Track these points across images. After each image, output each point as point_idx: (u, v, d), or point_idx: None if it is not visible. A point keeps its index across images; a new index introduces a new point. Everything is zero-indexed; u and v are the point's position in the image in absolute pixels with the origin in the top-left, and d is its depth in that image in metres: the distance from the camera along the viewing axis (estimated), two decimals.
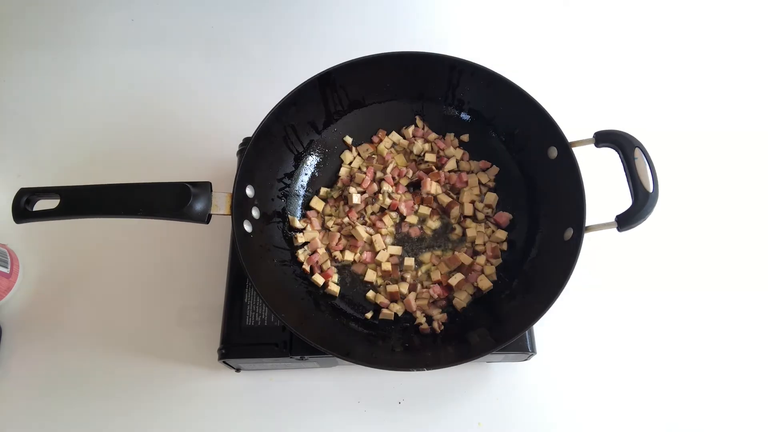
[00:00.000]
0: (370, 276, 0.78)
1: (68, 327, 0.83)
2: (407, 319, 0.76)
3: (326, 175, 0.85)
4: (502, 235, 0.79)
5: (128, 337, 0.82)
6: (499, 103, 0.81)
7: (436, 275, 0.77)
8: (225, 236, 0.83)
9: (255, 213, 0.75)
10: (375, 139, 0.86)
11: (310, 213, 0.82)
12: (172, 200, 0.67)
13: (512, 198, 0.82)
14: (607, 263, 0.84)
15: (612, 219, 0.66)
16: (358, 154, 0.86)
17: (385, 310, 0.76)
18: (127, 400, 0.78)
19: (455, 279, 0.76)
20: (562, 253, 0.68)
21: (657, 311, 0.83)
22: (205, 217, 0.68)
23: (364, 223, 0.81)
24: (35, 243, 0.88)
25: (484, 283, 0.76)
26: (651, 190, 0.65)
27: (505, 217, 0.80)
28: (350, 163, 0.85)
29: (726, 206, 0.90)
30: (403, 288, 0.77)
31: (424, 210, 0.81)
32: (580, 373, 0.79)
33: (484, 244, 0.79)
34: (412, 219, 0.81)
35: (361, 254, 0.79)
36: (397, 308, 0.76)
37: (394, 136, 0.86)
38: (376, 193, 0.82)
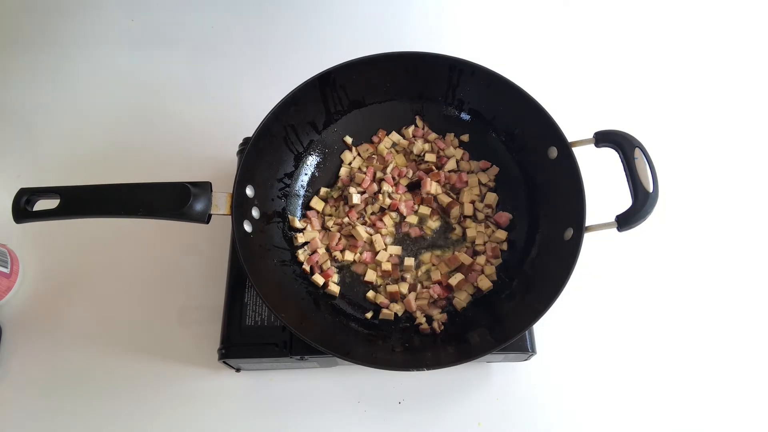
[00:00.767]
0: (370, 276, 0.78)
1: (68, 327, 0.83)
2: (407, 319, 0.76)
3: (326, 175, 0.85)
4: (502, 235, 0.79)
5: (128, 337, 0.82)
6: (499, 103, 0.81)
7: (436, 275, 0.77)
8: (225, 236, 0.83)
9: (255, 213, 0.75)
10: (375, 139, 0.86)
11: (310, 213, 0.82)
12: (172, 200, 0.67)
13: (512, 198, 0.81)
14: (607, 263, 0.84)
15: (612, 219, 0.66)
16: (358, 154, 0.86)
17: (385, 310, 0.76)
18: (127, 400, 0.78)
19: (455, 279, 0.76)
20: (562, 253, 0.68)
21: (657, 311, 0.83)
22: (205, 217, 0.68)
23: (364, 223, 0.81)
24: (35, 243, 0.88)
25: (484, 283, 0.76)
26: (651, 190, 0.65)
27: (505, 217, 0.80)
28: (350, 163, 0.85)
29: (726, 206, 0.90)
30: (403, 288, 0.77)
31: (424, 210, 0.81)
32: (580, 373, 0.79)
33: (484, 244, 0.79)
34: (412, 219, 0.81)
35: (361, 254, 0.79)
36: (397, 308, 0.76)
37: (394, 136, 0.86)
38: (376, 193, 0.82)
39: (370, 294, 0.77)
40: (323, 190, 0.84)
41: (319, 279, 0.77)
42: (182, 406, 0.78)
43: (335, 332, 0.74)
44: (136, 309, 0.84)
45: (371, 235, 0.80)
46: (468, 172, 0.83)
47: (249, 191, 0.74)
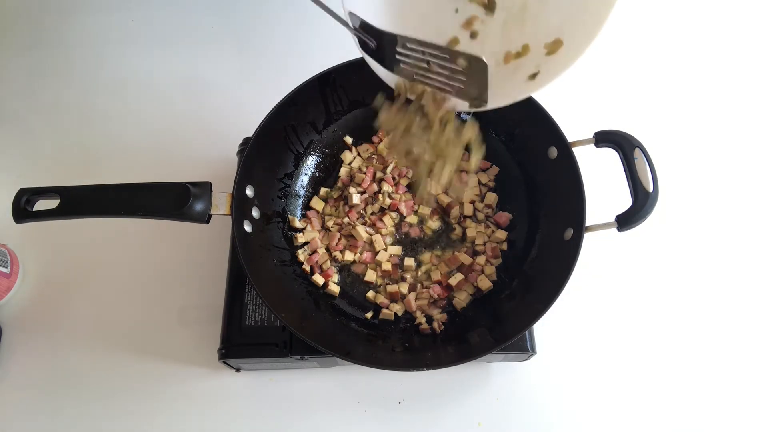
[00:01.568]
0: (370, 276, 0.78)
1: (68, 327, 0.83)
2: (407, 319, 0.76)
3: (326, 175, 0.85)
4: (502, 235, 0.79)
5: (128, 337, 0.82)
6: None
7: (436, 275, 0.77)
8: (225, 236, 0.83)
9: (255, 213, 0.75)
10: (375, 139, 0.86)
11: (310, 213, 0.82)
12: (172, 200, 0.67)
13: (512, 198, 0.81)
14: (607, 263, 0.84)
15: (612, 219, 0.66)
16: (358, 154, 0.86)
17: (385, 310, 0.76)
18: (127, 400, 0.78)
19: (455, 279, 0.76)
20: (562, 253, 0.68)
21: (657, 311, 0.83)
22: (205, 217, 0.68)
23: (364, 223, 0.81)
24: (35, 243, 0.88)
25: (484, 283, 0.76)
26: (651, 190, 0.65)
27: (505, 217, 0.80)
28: (350, 163, 0.85)
29: (726, 206, 0.90)
30: (403, 288, 0.77)
31: (424, 210, 0.81)
32: (580, 373, 0.79)
33: (484, 244, 0.79)
34: (412, 219, 0.81)
35: (361, 254, 0.79)
36: (397, 308, 0.76)
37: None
38: (376, 193, 0.82)
39: (370, 294, 0.77)
40: (323, 190, 0.84)
41: (319, 279, 0.77)
42: (182, 406, 0.78)
43: (335, 332, 0.74)
44: (136, 309, 0.84)
45: (371, 235, 0.80)
46: (468, 172, 0.83)
47: (249, 191, 0.74)
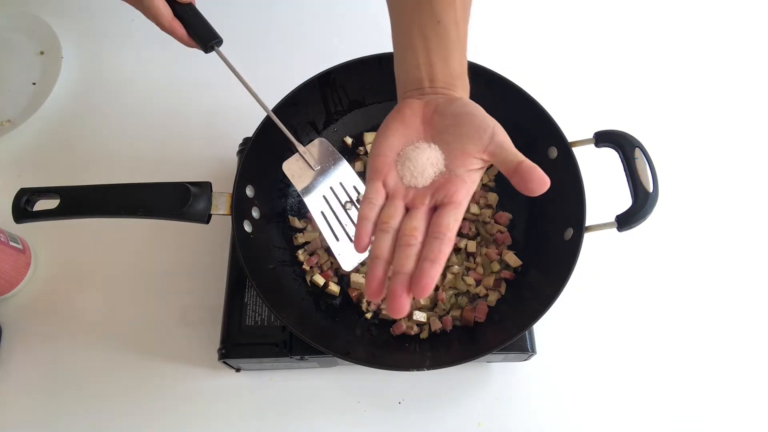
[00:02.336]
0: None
1: (67, 327, 0.83)
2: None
3: None
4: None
5: (127, 336, 0.82)
6: (498, 102, 0.80)
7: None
8: (225, 236, 0.83)
9: (255, 213, 0.75)
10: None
11: (310, 214, 0.82)
12: (172, 200, 0.67)
13: (512, 198, 0.81)
14: (607, 263, 0.84)
15: (612, 219, 0.66)
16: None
17: (384, 311, 0.76)
18: (127, 400, 0.78)
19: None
20: (562, 253, 0.68)
21: (657, 311, 0.83)
22: (205, 217, 0.68)
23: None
24: (35, 243, 0.88)
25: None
26: (651, 190, 0.65)
27: (505, 217, 0.80)
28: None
29: (726, 206, 0.90)
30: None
31: None
32: (580, 373, 0.79)
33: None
34: None
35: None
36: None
37: None
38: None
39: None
40: None
41: (319, 279, 0.77)
42: (182, 406, 0.78)
43: (335, 332, 0.74)
44: (136, 309, 0.84)
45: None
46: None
47: (249, 191, 0.74)
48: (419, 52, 0.55)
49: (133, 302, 0.84)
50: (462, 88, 0.57)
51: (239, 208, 0.71)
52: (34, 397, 0.79)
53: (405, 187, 0.52)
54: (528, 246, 0.78)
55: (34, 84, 1.03)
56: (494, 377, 0.78)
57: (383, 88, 0.83)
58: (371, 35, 1.05)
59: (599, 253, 0.76)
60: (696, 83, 1.01)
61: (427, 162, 0.52)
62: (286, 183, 0.82)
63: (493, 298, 0.75)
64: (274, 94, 0.75)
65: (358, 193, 0.71)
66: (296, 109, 0.78)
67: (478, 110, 0.53)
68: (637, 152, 0.67)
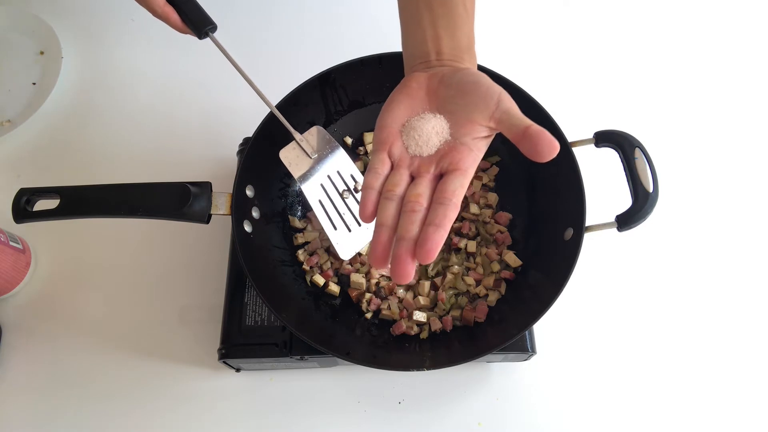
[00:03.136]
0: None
1: (67, 327, 0.83)
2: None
3: None
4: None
5: (127, 336, 0.82)
6: None
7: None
8: (225, 236, 0.83)
9: (255, 213, 0.75)
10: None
11: (310, 213, 0.82)
12: (172, 200, 0.67)
13: (512, 198, 0.81)
14: (607, 263, 0.84)
15: (612, 219, 0.66)
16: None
17: (384, 311, 0.76)
18: (127, 400, 0.78)
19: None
20: (562, 253, 0.68)
21: (657, 311, 0.83)
22: (205, 217, 0.68)
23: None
24: (35, 243, 0.88)
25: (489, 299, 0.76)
26: (651, 190, 0.65)
27: (505, 217, 0.80)
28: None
29: (726, 206, 0.90)
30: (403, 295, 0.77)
31: None
32: (580, 373, 0.79)
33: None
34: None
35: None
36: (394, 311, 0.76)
37: None
38: None
39: (369, 295, 0.77)
40: None
41: (319, 279, 0.77)
42: (182, 406, 0.78)
43: (335, 332, 0.74)
44: (136, 309, 0.84)
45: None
46: None
47: (249, 191, 0.74)
48: (426, 26, 0.55)
49: (133, 302, 0.84)
50: (469, 61, 0.57)
51: (239, 208, 0.71)
52: (34, 397, 0.79)
53: (410, 157, 0.52)
54: (528, 246, 0.78)
55: (34, 84, 1.03)
56: (494, 377, 0.78)
57: (383, 88, 0.83)
58: (371, 35, 1.06)
59: (599, 253, 0.77)
60: (696, 83, 1.01)
61: (432, 131, 0.51)
62: (286, 183, 0.82)
63: (493, 298, 0.75)
64: (275, 93, 0.74)
65: (356, 181, 0.71)
66: (296, 109, 0.78)
67: (484, 78, 0.53)
68: (637, 152, 0.67)
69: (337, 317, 0.76)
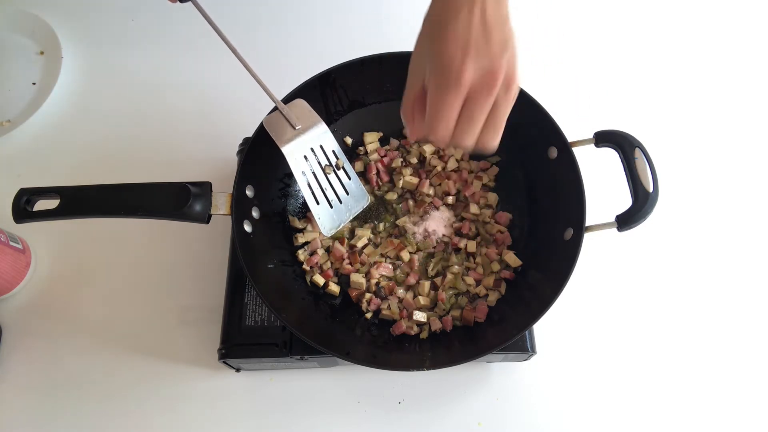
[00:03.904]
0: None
1: (68, 327, 0.83)
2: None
3: None
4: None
5: (128, 337, 0.82)
6: None
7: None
8: (225, 236, 0.83)
9: (255, 213, 0.75)
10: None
11: (309, 213, 0.82)
12: (172, 200, 0.67)
13: (512, 198, 0.81)
14: (607, 263, 0.84)
15: (612, 219, 0.66)
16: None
17: (384, 311, 0.76)
18: (127, 400, 0.78)
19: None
20: (562, 253, 0.68)
21: (657, 311, 0.83)
22: (205, 217, 0.68)
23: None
24: (35, 243, 0.88)
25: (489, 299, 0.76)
26: (651, 190, 0.65)
27: (505, 217, 0.80)
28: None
29: (726, 206, 0.90)
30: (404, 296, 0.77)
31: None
32: (580, 373, 0.79)
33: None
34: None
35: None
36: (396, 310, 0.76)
37: (393, 143, 0.86)
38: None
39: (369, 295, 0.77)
40: None
41: (319, 279, 0.77)
42: (182, 406, 0.78)
43: (335, 332, 0.74)
44: (136, 309, 0.84)
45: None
46: (469, 172, 0.83)
47: (249, 191, 0.74)
48: None
49: (133, 302, 0.84)
50: None
51: (239, 208, 0.71)
52: (34, 397, 0.79)
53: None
54: (528, 246, 0.78)
55: (34, 84, 1.03)
56: (494, 377, 0.78)
57: (383, 88, 0.84)
58: (372, 35, 1.06)
59: (599, 253, 0.77)
60: (696, 83, 1.01)
61: None
62: (286, 183, 0.82)
63: (493, 298, 0.75)
64: (275, 93, 0.74)
65: (337, 158, 0.73)
66: None
67: None
68: (637, 152, 0.67)
69: (337, 317, 0.76)
